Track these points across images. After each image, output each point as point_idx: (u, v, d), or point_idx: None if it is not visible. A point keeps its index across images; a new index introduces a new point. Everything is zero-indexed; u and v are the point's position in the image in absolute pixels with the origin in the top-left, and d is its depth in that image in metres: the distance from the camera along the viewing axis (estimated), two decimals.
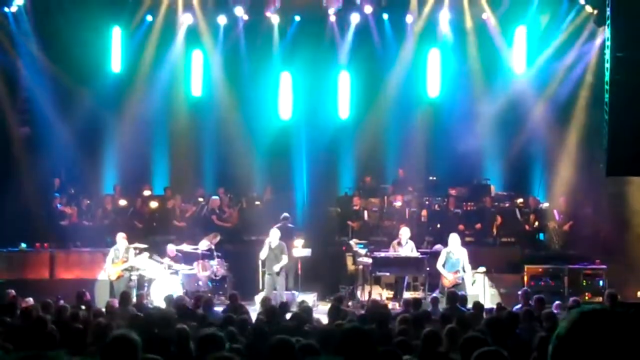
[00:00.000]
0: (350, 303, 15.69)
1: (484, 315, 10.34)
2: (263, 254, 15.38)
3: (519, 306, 11.88)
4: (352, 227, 18.16)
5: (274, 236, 15.44)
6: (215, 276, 16.51)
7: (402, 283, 15.94)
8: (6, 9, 18.42)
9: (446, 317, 9.14)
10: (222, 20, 19.54)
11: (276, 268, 15.33)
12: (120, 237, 15.68)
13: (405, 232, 15.92)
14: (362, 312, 11.56)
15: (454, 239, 15.29)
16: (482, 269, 15.32)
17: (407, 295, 14.99)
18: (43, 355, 2.63)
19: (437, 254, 15.57)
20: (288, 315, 10.66)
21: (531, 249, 17.29)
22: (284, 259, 15.43)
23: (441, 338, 6.75)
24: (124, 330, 4.76)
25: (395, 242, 15.99)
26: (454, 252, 15.18)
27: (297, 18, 19.69)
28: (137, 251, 15.78)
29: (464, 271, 15.12)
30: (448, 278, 15.07)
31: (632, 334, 2.10)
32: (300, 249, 16.51)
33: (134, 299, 12.89)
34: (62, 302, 11.88)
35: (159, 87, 19.70)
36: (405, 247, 15.78)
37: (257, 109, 19.96)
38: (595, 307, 2.18)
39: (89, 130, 19.14)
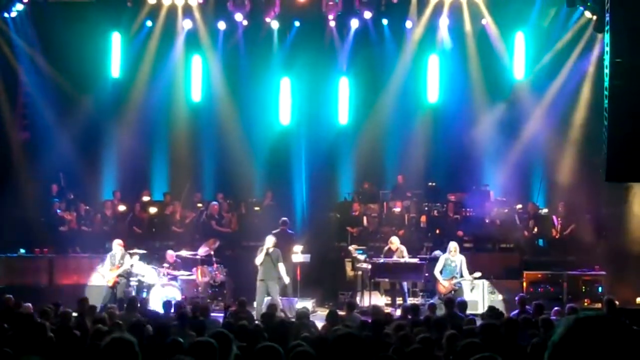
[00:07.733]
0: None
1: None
2: (259, 260, 15.21)
3: (515, 312, 11.87)
4: (351, 232, 18.17)
5: (269, 243, 15.31)
6: (214, 282, 16.46)
7: (402, 289, 15.90)
8: (6, 15, 18.42)
9: (441, 323, 9.11)
10: (221, 25, 19.50)
11: (283, 273, 15.19)
12: (116, 244, 15.67)
13: (394, 241, 15.96)
14: (363, 317, 11.53)
15: (453, 246, 15.34)
16: (478, 274, 15.28)
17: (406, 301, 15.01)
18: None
19: (436, 260, 15.59)
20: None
21: (530, 255, 17.25)
22: (282, 265, 15.32)
23: (435, 344, 6.74)
24: (119, 333, 4.71)
25: (385, 249, 16.03)
26: (452, 259, 15.21)
27: (297, 23, 19.67)
28: (137, 256, 15.79)
29: (462, 276, 15.16)
30: (444, 285, 15.09)
31: (626, 341, 2.09)
32: (299, 255, 16.46)
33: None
34: (62, 308, 11.87)
35: (159, 93, 19.69)
36: (397, 254, 15.80)
37: (257, 114, 19.93)
38: (590, 314, 2.17)
39: (89, 136, 19.15)
